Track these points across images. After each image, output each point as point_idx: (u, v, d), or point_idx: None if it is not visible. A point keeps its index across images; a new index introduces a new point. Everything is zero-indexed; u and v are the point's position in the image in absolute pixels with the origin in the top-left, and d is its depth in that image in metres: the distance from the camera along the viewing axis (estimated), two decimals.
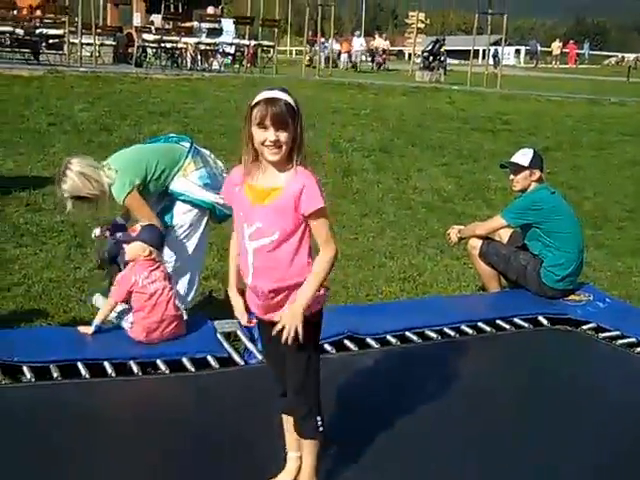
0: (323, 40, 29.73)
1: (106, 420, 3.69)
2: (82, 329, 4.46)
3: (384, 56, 34.51)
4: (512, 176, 5.58)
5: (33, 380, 3.97)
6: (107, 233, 4.79)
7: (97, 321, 4.46)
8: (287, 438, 3.25)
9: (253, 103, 2.78)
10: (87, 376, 4.05)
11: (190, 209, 4.77)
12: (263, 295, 2.93)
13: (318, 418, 3.07)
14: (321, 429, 3.07)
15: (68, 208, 4.62)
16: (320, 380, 3.06)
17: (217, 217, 4.89)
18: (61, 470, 3.23)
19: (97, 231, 4.88)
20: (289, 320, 2.82)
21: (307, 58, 29.00)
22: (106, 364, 4.15)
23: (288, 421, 3.19)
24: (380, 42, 35.60)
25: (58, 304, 5.32)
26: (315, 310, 2.95)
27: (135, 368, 4.18)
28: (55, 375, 4.02)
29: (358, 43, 33.85)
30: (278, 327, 2.84)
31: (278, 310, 2.93)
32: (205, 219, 4.87)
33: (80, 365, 4.11)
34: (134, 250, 4.39)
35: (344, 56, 31.91)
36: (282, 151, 2.77)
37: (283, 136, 2.74)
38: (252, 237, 2.87)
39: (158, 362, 4.25)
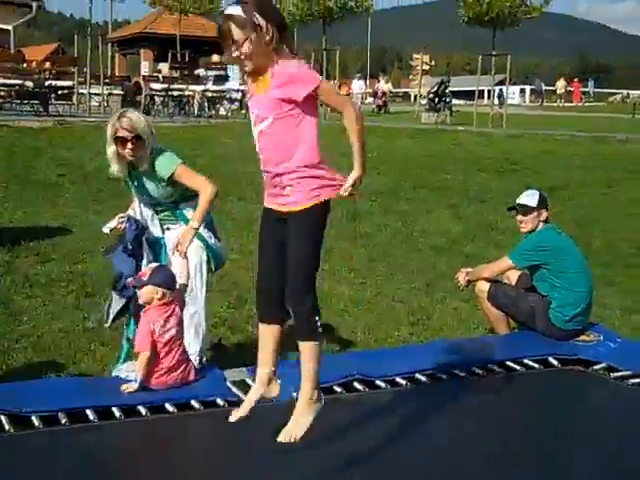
0: None
1: (117, 461, 3.69)
2: (125, 387, 4.39)
3: (384, 98, 34.06)
4: (521, 217, 5.58)
5: (41, 427, 3.96)
6: (124, 224, 4.69)
7: (140, 377, 4.39)
8: (262, 355, 3.35)
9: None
10: (96, 421, 4.05)
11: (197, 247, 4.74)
12: (269, 179, 3.26)
13: (317, 317, 3.13)
14: (320, 329, 3.14)
15: (110, 150, 4.59)
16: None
17: (212, 264, 4.85)
18: None
19: (112, 224, 4.75)
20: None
21: None
22: (114, 409, 4.16)
23: (268, 332, 3.28)
24: (382, 84, 35.26)
25: (67, 355, 5.32)
26: (326, 198, 3.20)
27: (144, 411, 4.18)
28: (64, 421, 4.02)
29: (357, 86, 33.39)
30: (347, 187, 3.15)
31: (282, 197, 3.21)
32: (205, 262, 4.83)
33: (89, 411, 4.11)
34: (147, 294, 4.38)
35: None
36: (247, 63, 3.12)
37: (244, 47, 3.08)
38: (254, 123, 3.26)
39: (167, 406, 4.26)
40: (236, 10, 3.08)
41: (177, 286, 4.46)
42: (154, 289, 4.37)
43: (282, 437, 3.30)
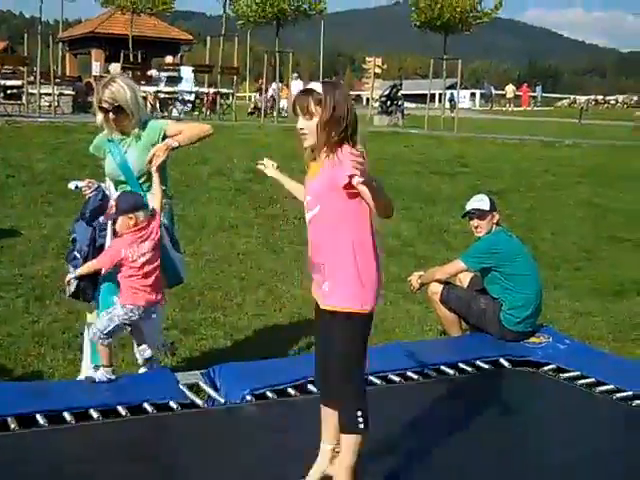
0: (264, 86, 28.02)
1: (69, 467, 3.65)
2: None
3: None
4: (477, 222, 5.63)
5: None
6: (91, 191, 4.57)
7: (79, 271, 4.40)
8: (323, 428, 3.35)
9: None
10: (46, 426, 4.00)
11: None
12: (312, 268, 3.28)
13: (359, 413, 3.14)
14: (361, 425, 3.14)
15: (98, 118, 4.51)
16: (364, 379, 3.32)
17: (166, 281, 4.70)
18: None
19: (80, 183, 4.63)
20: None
21: (252, 106, 28.56)
22: (66, 414, 4.10)
23: (326, 411, 3.32)
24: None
25: (16, 359, 5.25)
26: (368, 309, 3.21)
27: (95, 415, 4.14)
28: (13, 427, 3.96)
29: (296, 87, 31.25)
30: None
31: (319, 291, 3.24)
32: None
33: (39, 416, 4.06)
34: (122, 226, 4.31)
35: (283, 102, 28.82)
36: (309, 137, 3.15)
37: (307, 125, 3.13)
38: (306, 209, 3.30)
39: (119, 408, 4.22)
40: (317, 87, 3.15)
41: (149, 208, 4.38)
42: (126, 218, 4.30)
43: None
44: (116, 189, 4.58)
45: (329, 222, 3.19)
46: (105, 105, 4.44)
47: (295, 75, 28.07)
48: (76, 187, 4.58)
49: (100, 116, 4.51)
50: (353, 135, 3.16)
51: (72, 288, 4.53)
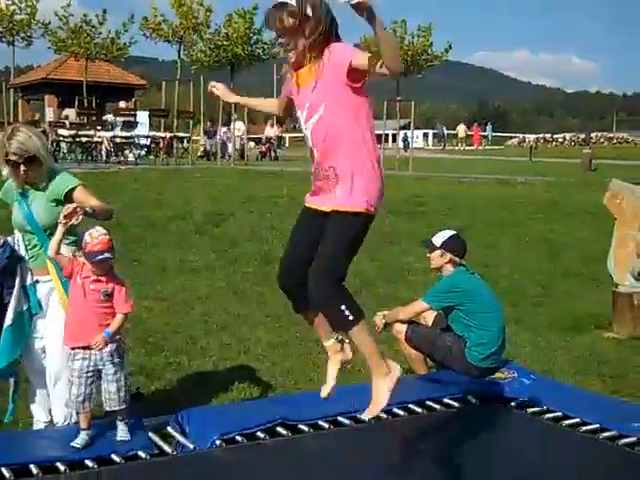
0: (212, 129, 27.99)
1: None
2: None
3: (267, 145, 31.01)
4: (428, 253, 5.75)
5: None
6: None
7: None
8: (320, 332, 3.49)
9: None
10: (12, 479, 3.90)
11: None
12: (317, 175, 3.29)
13: (343, 307, 3.23)
14: (351, 317, 3.22)
15: (4, 172, 4.35)
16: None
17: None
18: None
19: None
20: None
21: (201, 149, 28.25)
22: (32, 467, 4.01)
23: (311, 313, 3.51)
24: (268, 129, 32.22)
25: None
26: (373, 206, 3.21)
27: (62, 468, 4.04)
28: None
29: (237, 127, 28.46)
30: None
31: (327, 193, 3.26)
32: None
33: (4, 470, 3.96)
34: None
35: (230, 145, 27.37)
36: (294, 50, 3.14)
37: (288, 39, 3.14)
38: (304, 118, 3.23)
39: (87, 462, 4.13)
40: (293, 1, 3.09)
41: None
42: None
43: (367, 415, 3.58)
44: (24, 239, 4.44)
45: (337, 120, 3.17)
46: (14, 158, 4.24)
47: (235, 117, 27.68)
48: None
49: (6, 170, 4.33)
50: (333, 29, 3.18)
51: None
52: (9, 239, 4.47)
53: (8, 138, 4.27)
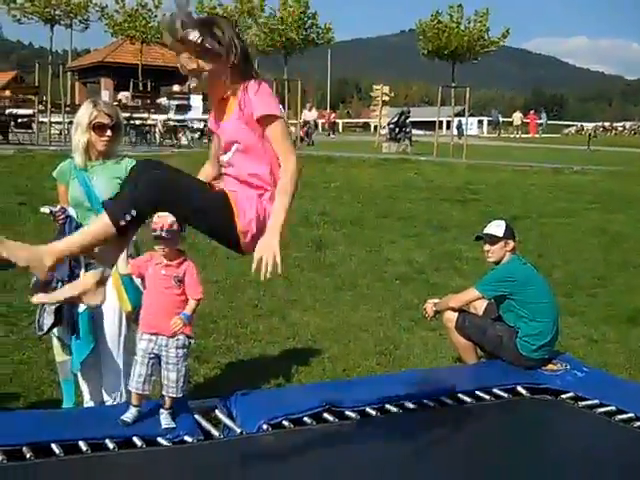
0: None
1: None
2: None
3: (304, 129, 29.50)
4: (488, 247, 5.63)
5: (5, 462, 3.84)
6: (64, 217, 4.38)
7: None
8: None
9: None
10: (62, 455, 3.93)
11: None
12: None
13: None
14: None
15: (83, 139, 4.34)
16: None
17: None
18: None
19: (54, 208, 4.42)
20: (265, 250, 2.76)
21: None
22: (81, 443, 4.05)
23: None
24: (307, 114, 31.01)
25: (30, 387, 5.24)
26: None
27: (111, 445, 4.07)
28: (28, 456, 3.91)
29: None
30: (255, 260, 2.75)
31: None
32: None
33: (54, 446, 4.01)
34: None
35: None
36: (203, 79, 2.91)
37: (205, 65, 2.88)
38: (221, 151, 3.07)
39: (135, 440, 4.15)
40: (193, 35, 2.85)
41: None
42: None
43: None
44: (80, 217, 4.44)
45: (248, 156, 3.00)
46: (106, 120, 4.33)
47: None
48: (50, 212, 4.41)
49: (86, 137, 4.36)
50: (249, 65, 2.99)
51: (49, 321, 4.43)
52: (71, 211, 4.46)
53: (94, 105, 4.37)
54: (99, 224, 2.94)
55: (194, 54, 2.88)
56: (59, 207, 4.42)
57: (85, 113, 4.37)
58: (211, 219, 3.03)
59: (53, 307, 4.41)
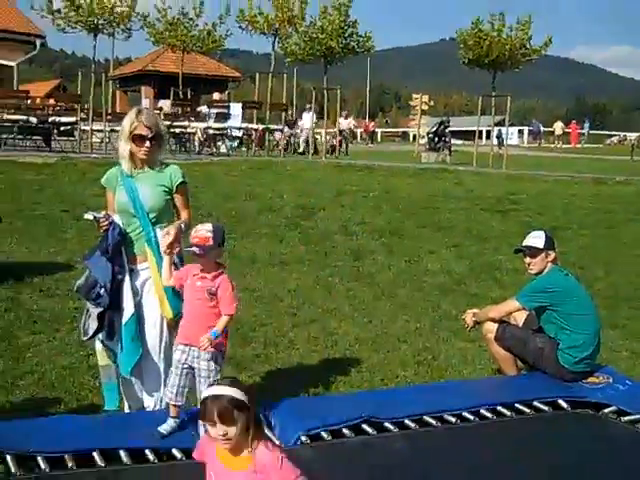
0: (292, 119, 26.95)
1: None
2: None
3: (339, 138, 27.77)
4: (528, 259, 5.57)
5: (48, 470, 3.89)
6: (109, 223, 4.41)
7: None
8: None
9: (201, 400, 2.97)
10: (102, 465, 3.98)
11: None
12: None
13: None
14: None
15: (125, 148, 4.43)
16: None
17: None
18: None
19: (98, 214, 4.45)
20: None
21: (284, 142, 24.83)
22: (122, 452, 4.09)
23: None
24: (343, 123, 29.63)
25: (72, 392, 5.30)
26: None
27: (151, 456, 4.11)
28: (70, 465, 3.95)
29: (308, 119, 26.30)
30: None
31: None
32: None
33: (95, 454, 4.04)
34: (217, 255, 4.22)
35: (302, 137, 26.13)
36: (232, 441, 2.86)
37: (231, 431, 2.84)
38: None
39: (174, 451, 4.18)
40: (231, 392, 2.89)
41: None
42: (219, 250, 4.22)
43: None
44: (125, 224, 4.50)
45: None
46: (145, 131, 4.38)
47: (308, 107, 26.94)
48: (94, 218, 4.44)
49: (128, 146, 4.43)
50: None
51: (94, 326, 4.49)
52: (116, 218, 4.51)
53: (137, 114, 4.43)
54: None
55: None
56: (103, 214, 4.47)
57: (127, 123, 4.44)
58: None
59: (97, 312, 4.47)
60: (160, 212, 4.51)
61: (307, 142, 25.16)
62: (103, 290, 4.45)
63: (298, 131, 26.34)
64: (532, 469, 4.23)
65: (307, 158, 22.59)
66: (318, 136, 26.72)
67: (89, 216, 4.47)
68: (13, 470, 3.86)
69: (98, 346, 4.67)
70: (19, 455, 3.96)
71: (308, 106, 26.84)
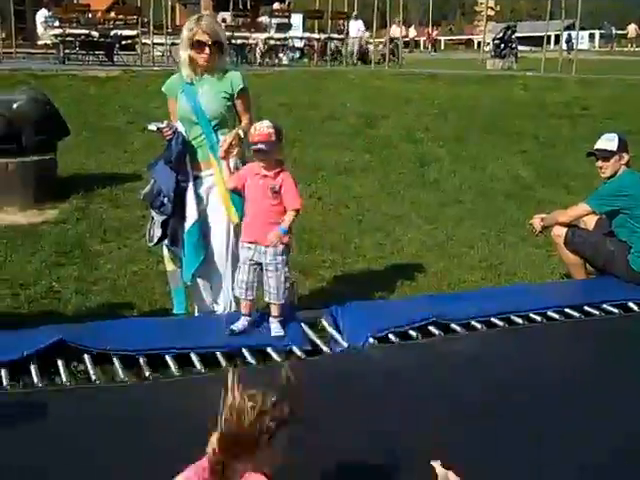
0: (342, 28, 25.11)
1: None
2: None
3: (390, 46, 25.14)
4: (601, 163, 5.43)
5: (121, 370, 4.00)
6: (171, 132, 4.42)
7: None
8: None
9: None
10: (175, 368, 4.08)
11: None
12: None
13: None
14: None
15: (184, 55, 4.43)
16: None
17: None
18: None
19: (161, 125, 4.47)
20: None
21: (334, 52, 24.00)
22: (192, 355, 4.20)
23: None
24: (395, 30, 26.33)
25: (143, 296, 5.43)
26: None
27: (221, 358, 4.20)
28: (142, 362, 4.07)
29: (355, 28, 25.16)
30: None
31: None
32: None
33: (168, 358, 4.16)
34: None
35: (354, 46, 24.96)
36: None
37: None
38: None
39: (244, 351, 4.26)
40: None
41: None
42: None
43: None
44: (187, 131, 4.50)
45: None
46: (205, 38, 4.34)
47: (355, 14, 25.90)
48: (157, 129, 4.46)
49: (187, 53, 4.41)
50: None
51: (159, 233, 4.58)
52: (178, 126, 4.52)
53: (197, 21, 4.41)
54: None
55: None
56: (166, 123, 4.49)
57: (187, 29, 4.42)
58: None
59: (160, 220, 4.55)
60: (222, 118, 4.51)
61: (353, 52, 24.53)
62: (166, 199, 4.51)
63: (349, 41, 25.34)
64: (599, 370, 4.20)
65: (356, 67, 22.20)
66: (371, 46, 25.82)
67: (152, 127, 4.51)
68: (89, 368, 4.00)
69: (165, 252, 4.76)
70: (93, 353, 4.10)
71: (354, 14, 25.77)
